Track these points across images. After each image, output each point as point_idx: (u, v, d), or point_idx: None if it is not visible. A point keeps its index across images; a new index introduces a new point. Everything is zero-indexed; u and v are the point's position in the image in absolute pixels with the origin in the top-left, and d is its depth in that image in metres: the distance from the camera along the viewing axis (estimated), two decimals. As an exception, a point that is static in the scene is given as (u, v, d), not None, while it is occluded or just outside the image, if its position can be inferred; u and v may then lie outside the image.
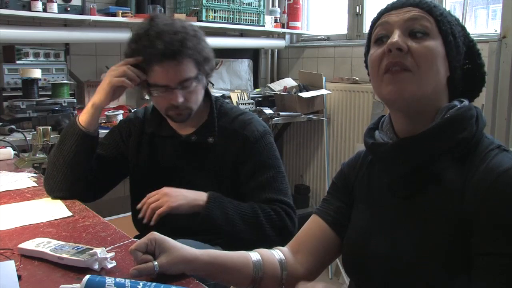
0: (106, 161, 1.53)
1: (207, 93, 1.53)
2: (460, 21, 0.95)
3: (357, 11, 3.28)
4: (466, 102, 0.90)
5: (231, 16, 3.17)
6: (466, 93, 0.94)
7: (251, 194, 1.45)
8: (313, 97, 3.10)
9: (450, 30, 0.89)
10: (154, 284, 0.79)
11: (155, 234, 0.91)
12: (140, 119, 1.59)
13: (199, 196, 1.36)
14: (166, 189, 1.35)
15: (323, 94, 3.13)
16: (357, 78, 3.12)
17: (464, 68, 0.93)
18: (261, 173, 1.45)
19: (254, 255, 1.00)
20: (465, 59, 0.93)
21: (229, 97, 3.00)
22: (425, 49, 0.86)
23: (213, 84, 3.35)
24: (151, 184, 1.49)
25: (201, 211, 1.32)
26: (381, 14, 0.93)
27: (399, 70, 0.85)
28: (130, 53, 1.41)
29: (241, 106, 2.87)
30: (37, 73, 2.36)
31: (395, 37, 0.86)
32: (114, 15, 2.74)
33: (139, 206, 1.34)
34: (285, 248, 1.06)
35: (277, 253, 1.03)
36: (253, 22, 3.29)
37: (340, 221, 1.03)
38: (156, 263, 0.87)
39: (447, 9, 0.96)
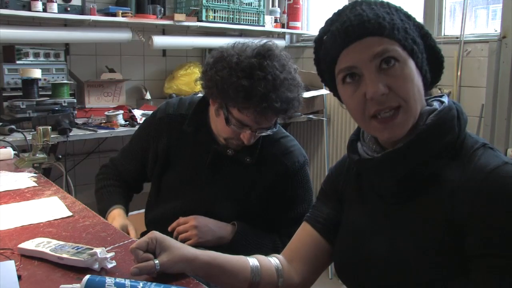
0: (139, 173, 1.58)
1: None
2: (404, 10, 0.88)
3: (357, 11, 3.28)
4: (446, 102, 0.88)
5: (231, 16, 3.17)
6: (431, 79, 0.90)
7: (280, 226, 1.45)
8: (313, 97, 3.10)
9: (411, 40, 0.84)
10: (154, 284, 0.79)
11: (155, 233, 0.91)
12: (180, 115, 1.50)
13: (225, 233, 1.39)
14: (195, 221, 1.38)
15: (323, 94, 3.13)
16: (357, 78, 3.11)
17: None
18: (294, 207, 1.44)
19: (252, 261, 1.00)
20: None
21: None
22: (403, 79, 0.82)
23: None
24: (172, 189, 1.50)
25: (225, 245, 1.37)
26: (338, 50, 0.84)
27: (389, 117, 0.82)
28: (233, 85, 1.26)
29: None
30: (37, 73, 2.36)
31: (372, 83, 0.81)
32: (114, 15, 2.74)
33: (170, 229, 1.39)
34: (280, 256, 1.07)
35: (274, 260, 1.04)
36: (253, 22, 3.29)
37: (330, 228, 1.02)
38: (157, 261, 0.87)
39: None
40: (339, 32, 0.84)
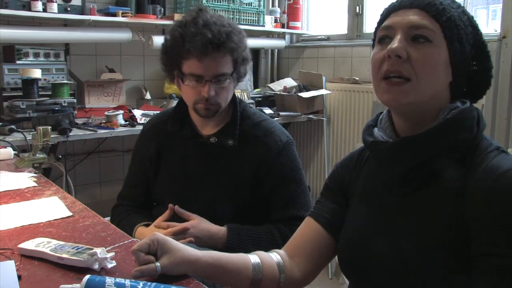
0: (148, 191, 1.60)
1: (232, 96, 1.51)
2: (475, 20, 0.92)
3: (357, 11, 3.28)
4: (468, 103, 0.89)
5: (231, 16, 3.17)
6: (469, 94, 0.93)
7: (273, 209, 1.45)
8: (313, 97, 3.10)
9: (457, 36, 0.86)
10: (154, 284, 0.79)
11: (157, 235, 0.91)
12: (166, 121, 1.56)
13: (217, 242, 1.37)
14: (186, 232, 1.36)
15: (323, 94, 3.13)
16: (357, 78, 3.12)
17: (470, 70, 0.91)
18: (284, 187, 1.44)
19: (253, 258, 1.00)
20: (472, 60, 0.91)
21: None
22: (425, 57, 0.84)
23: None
24: (167, 189, 1.52)
25: (221, 248, 1.35)
26: (388, 12, 0.91)
27: (396, 82, 0.85)
28: (172, 39, 1.40)
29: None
30: (37, 73, 2.35)
31: (396, 42, 0.85)
32: (114, 15, 2.74)
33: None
34: (282, 251, 1.06)
35: (275, 256, 1.04)
36: (253, 22, 3.29)
37: (334, 223, 1.02)
38: (158, 264, 0.86)
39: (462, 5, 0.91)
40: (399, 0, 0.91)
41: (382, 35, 0.90)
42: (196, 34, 1.34)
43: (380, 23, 0.93)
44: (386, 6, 0.94)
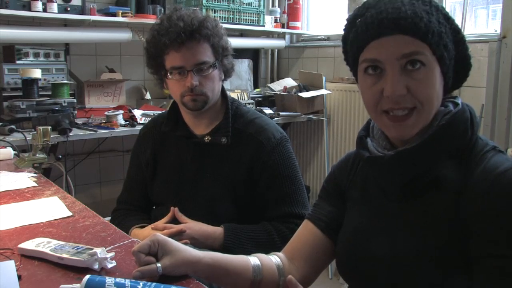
0: (146, 195, 1.60)
1: (224, 95, 1.52)
2: (445, 9, 0.87)
3: (357, 11, 3.28)
4: (460, 105, 0.88)
5: (231, 16, 3.17)
6: (453, 83, 0.90)
7: (269, 206, 1.44)
8: (313, 97, 3.10)
9: (443, 46, 0.83)
10: (154, 284, 0.79)
11: (158, 236, 0.90)
12: (160, 122, 1.58)
13: (214, 240, 1.36)
14: (182, 234, 1.35)
15: (323, 94, 3.13)
16: (357, 78, 3.12)
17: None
18: (279, 185, 1.43)
19: (253, 260, 1.00)
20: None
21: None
22: (424, 84, 0.81)
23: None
24: (165, 191, 1.52)
25: (218, 248, 1.34)
26: (367, 38, 0.83)
27: (401, 116, 0.82)
28: (150, 38, 1.43)
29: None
30: (37, 73, 2.36)
31: (393, 82, 0.80)
32: (114, 15, 2.74)
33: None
34: (281, 254, 1.06)
35: (275, 258, 1.03)
36: (253, 22, 3.29)
37: (332, 226, 1.02)
38: (159, 265, 0.86)
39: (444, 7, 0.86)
40: (373, 21, 0.82)
41: (369, 65, 0.84)
42: (170, 27, 1.38)
43: (358, 47, 0.85)
44: (359, 24, 0.85)
